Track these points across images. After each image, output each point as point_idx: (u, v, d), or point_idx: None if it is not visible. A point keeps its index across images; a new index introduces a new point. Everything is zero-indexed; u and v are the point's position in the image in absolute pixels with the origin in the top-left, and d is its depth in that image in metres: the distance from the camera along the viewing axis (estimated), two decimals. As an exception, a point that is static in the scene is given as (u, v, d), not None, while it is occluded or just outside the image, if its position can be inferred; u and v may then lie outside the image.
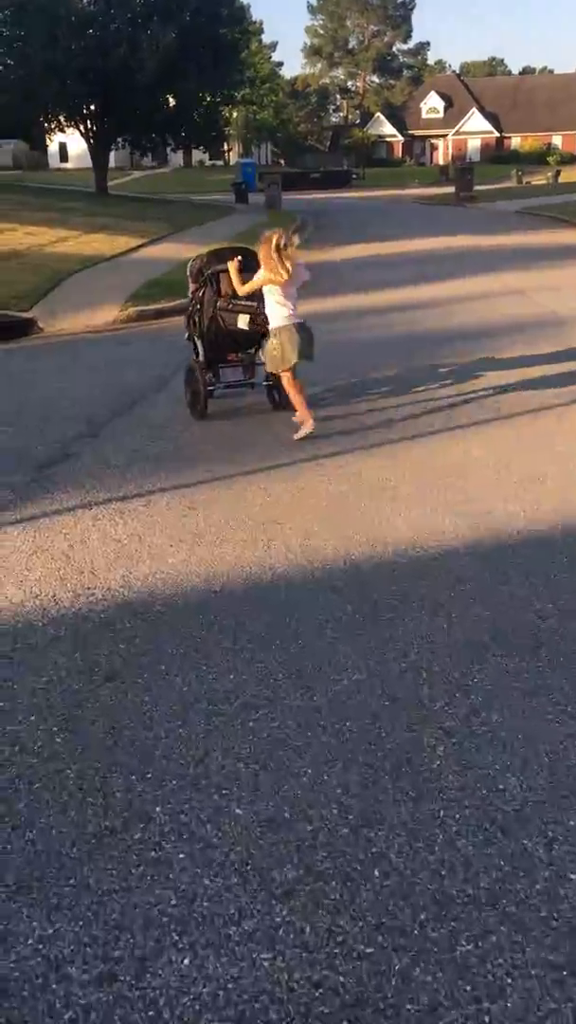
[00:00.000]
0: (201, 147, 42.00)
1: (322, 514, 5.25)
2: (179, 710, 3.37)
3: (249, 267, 6.86)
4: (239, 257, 6.95)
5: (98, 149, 35.42)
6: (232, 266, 6.86)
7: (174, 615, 4.11)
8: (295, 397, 6.71)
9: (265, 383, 7.45)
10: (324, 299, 14.20)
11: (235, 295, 6.93)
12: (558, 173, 55.97)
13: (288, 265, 6.47)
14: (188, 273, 7.35)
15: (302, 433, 6.61)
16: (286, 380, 6.73)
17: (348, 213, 36.75)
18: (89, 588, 4.41)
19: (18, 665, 3.74)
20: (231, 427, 7.25)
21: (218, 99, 35.65)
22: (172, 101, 34.42)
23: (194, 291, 7.23)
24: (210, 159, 75.97)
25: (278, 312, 6.61)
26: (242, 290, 6.80)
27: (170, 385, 8.57)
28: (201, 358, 7.28)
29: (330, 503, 5.44)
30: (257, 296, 6.84)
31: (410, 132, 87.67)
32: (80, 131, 34.76)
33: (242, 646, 3.83)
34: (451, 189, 49.55)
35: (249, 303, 6.96)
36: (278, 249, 6.45)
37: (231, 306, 7.02)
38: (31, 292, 13.90)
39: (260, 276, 6.64)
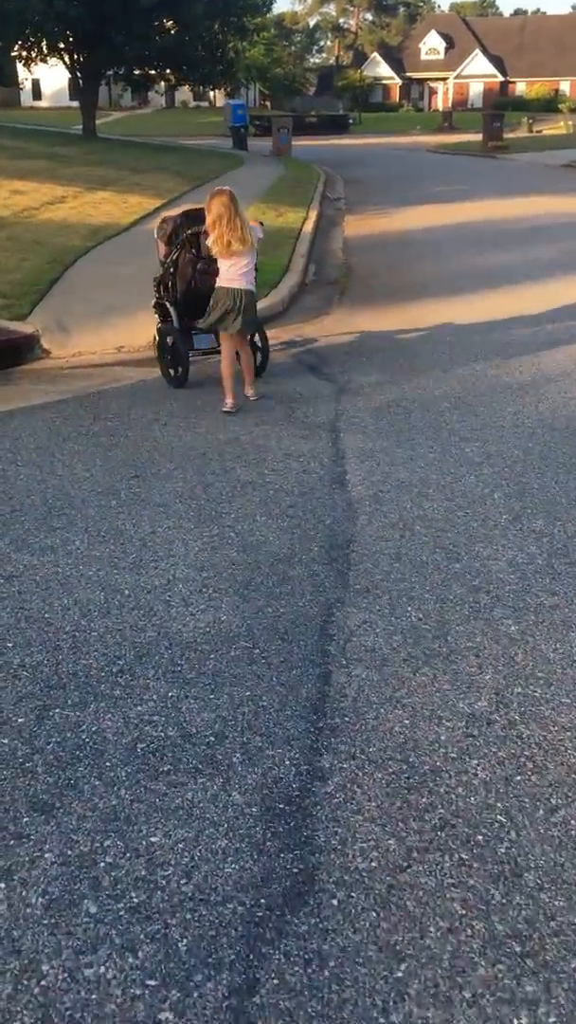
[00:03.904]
0: (211, 85, 36.35)
1: None
2: None
3: None
4: None
5: (86, 84, 30.06)
6: None
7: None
8: (224, 366, 6.54)
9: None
10: (453, 302, 9.61)
11: (213, 258, 6.58)
12: (581, 121, 51.53)
13: (230, 238, 6.25)
14: (157, 236, 7.11)
15: (227, 406, 6.46)
16: (224, 343, 6.58)
17: (370, 165, 32.08)
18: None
19: None
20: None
21: (227, 27, 30.25)
22: (172, 29, 29.14)
23: (166, 254, 7.02)
24: (195, 99, 70.11)
25: (222, 272, 6.45)
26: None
27: (359, 546, 4.35)
28: (176, 324, 7.05)
29: None
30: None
31: (408, 74, 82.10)
32: (65, 62, 29.35)
33: None
34: (458, 137, 45.87)
35: None
36: (221, 219, 6.24)
37: (211, 269, 6.64)
38: (26, 286, 9.37)
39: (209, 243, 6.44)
